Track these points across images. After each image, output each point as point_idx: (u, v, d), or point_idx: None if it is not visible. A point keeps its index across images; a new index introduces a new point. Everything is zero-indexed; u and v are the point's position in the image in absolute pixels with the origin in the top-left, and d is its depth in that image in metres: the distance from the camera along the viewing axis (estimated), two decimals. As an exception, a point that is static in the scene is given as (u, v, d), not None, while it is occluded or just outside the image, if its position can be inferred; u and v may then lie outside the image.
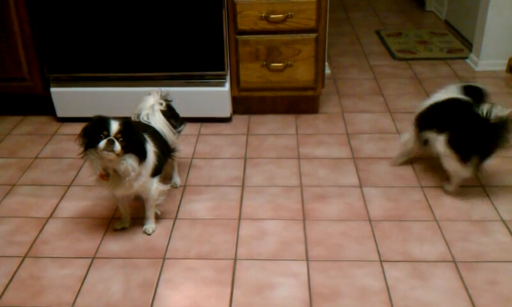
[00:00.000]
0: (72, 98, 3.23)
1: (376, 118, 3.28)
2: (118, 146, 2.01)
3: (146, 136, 2.19)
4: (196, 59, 3.09)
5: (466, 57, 4.12)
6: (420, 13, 5.38)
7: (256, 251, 2.22)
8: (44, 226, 2.41)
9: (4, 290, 2.05)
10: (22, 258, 2.21)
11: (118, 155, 2.02)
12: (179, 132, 2.56)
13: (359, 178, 2.69)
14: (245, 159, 2.89)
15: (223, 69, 3.11)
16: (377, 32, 4.81)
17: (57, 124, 3.31)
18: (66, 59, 3.12)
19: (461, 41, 4.47)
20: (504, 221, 2.35)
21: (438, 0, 5.23)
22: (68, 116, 3.29)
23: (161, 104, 2.43)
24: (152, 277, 2.09)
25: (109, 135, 2.01)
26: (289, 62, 3.14)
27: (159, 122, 2.39)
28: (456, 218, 2.38)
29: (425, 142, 2.61)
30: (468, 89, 2.51)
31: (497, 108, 2.28)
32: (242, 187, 2.65)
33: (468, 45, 4.29)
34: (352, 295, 1.98)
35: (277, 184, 2.66)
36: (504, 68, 3.88)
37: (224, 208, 2.49)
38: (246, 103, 3.36)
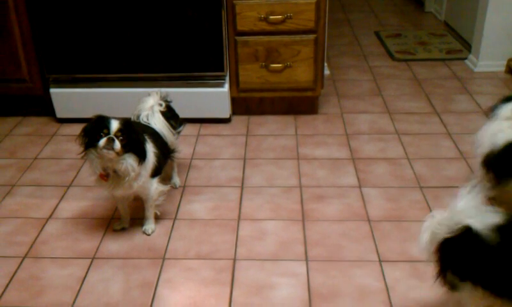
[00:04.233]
0: (72, 99, 3.23)
1: (375, 119, 3.29)
2: (118, 145, 2.01)
3: (146, 137, 2.19)
4: (195, 59, 3.09)
5: (465, 58, 4.13)
6: (419, 14, 5.39)
7: (256, 251, 2.22)
8: (44, 226, 2.41)
9: (4, 290, 2.05)
10: (21, 259, 2.21)
11: (117, 153, 2.03)
12: (179, 132, 2.56)
13: (358, 179, 2.69)
14: (244, 160, 2.90)
15: (222, 70, 3.12)
16: (377, 33, 4.82)
17: (57, 125, 3.31)
18: (66, 59, 3.13)
19: (460, 42, 4.47)
20: (502, 221, 2.35)
21: (437, 1, 5.24)
22: (68, 117, 3.29)
23: (161, 105, 2.43)
24: (152, 278, 2.09)
25: (109, 133, 2.02)
26: (288, 63, 3.14)
27: (158, 123, 2.39)
28: (455, 218, 2.38)
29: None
30: None
31: None
32: (242, 187, 2.65)
33: (467, 46, 4.30)
34: (351, 295, 1.99)
35: (276, 185, 2.67)
36: (503, 68, 3.89)
37: (224, 208, 2.50)
38: (246, 104, 3.36)
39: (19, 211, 2.52)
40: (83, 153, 2.11)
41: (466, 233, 1.55)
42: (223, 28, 3.02)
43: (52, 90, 3.23)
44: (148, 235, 2.33)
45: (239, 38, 3.10)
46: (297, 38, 3.09)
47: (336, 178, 2.70)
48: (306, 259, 2.17)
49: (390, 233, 2.30)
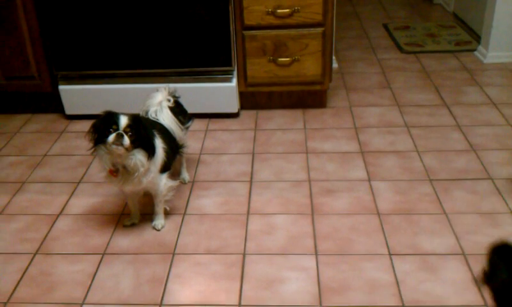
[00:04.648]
0: (80, 96, 3.24)
1: (384, 112, 3.27)
2: (127, 140, 2.02)
3: (154, 132, 2.20)
4: (203, 55, 3.09)
5: (475, 50, 4.10)
6: (427, 5, 5.35)
7: (265, 245, 2.23)
8: (54, 222, 2.42)
9: (16, 286, 2.07)
10: (32, 255, 2.23)
11: (127, 149, 2.03)
12: (187, 128, 2.57)
13: (367, 172, 2.69)
14: (253, 154, 2.89)
15: (230, 64, 3.12)
16: (385, 26, 4.79)
17: (66, 121, 3.33)
18: (74, 56, 3.14)
19: (469, 33, 4.44)
20: (513, 213, 2.34)
21: (445, -8, 5.20)
22: (77, 114, 3.31)
23: (169, 100, 2.43)
24: (162, 273, 2.10)
25: (118, 129, 2.02)
26: (296, 57, 3.13)
27: (167, 118, 2.39)
28: (465, 211, 2.37)
29: None
30: None
31: None
32: (251, 182, 2.65)
33: (476, 37, 4.26)
34: (361, 288, 1.98)
35: (285, 179, 2.66)
36: (513, 60, 3.86)
37: (233, 203, 2.50)
38: (254, 99, 3.36)
39: (30, 208, 2.54)
40: (92, 149, 2.11)
41: None
42: (231, 22, 3.01)
43: (61, 87, 3.24)
44: (158, 230, 2.34)
45: (246, 33, 3.09)
46: (305, 31, 3.07)
47: (345, 172, 2.70)
48: (316, 253, 2.17)
49: (399, 227, 2.30)
